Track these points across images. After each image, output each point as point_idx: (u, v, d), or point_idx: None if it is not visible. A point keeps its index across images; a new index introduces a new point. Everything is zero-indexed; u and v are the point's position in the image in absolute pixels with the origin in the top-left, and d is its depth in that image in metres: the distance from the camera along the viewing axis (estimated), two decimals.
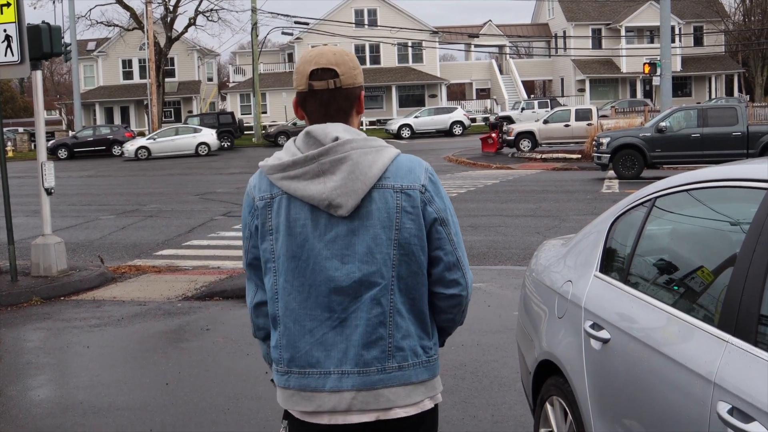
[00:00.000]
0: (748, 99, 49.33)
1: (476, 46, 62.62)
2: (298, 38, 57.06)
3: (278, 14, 63.59)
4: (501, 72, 61.18)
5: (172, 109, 59.14)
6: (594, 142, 21.71)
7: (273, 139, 44.98)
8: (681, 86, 56.24)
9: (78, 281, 9.70)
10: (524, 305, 4.22)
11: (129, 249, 12.64)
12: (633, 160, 20.15)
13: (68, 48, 36.03)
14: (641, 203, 3.34)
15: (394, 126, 46.25)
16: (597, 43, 59.35)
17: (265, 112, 55.05)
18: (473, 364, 6.05)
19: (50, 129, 50.18)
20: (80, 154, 42.20)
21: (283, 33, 52.56)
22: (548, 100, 47.62)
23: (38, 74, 9.84)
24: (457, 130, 46.06)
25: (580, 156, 26.76)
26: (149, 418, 5.26)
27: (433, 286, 2.30)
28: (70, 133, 48.13)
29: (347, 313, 2.20)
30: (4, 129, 11.43)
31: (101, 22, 50.54)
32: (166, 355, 6.77)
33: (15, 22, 9.12)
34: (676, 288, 2.96)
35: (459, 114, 46.98)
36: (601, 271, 3.43)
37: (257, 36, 48.26)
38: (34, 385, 6.16)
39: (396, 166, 2.23)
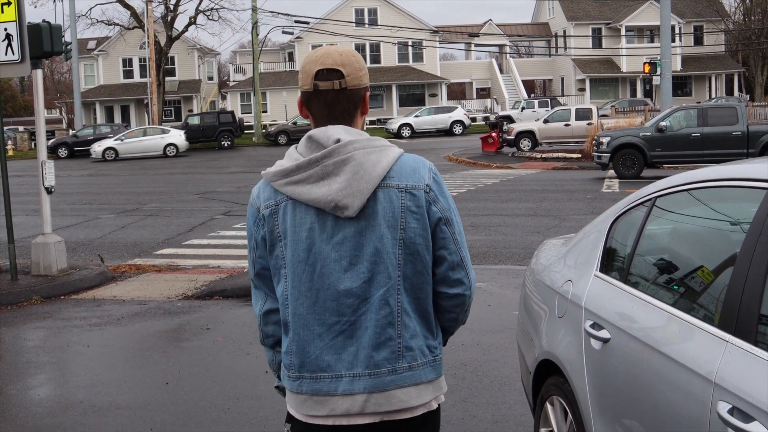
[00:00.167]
0: (748, 98, 49.34)
1: (476, 45, 62.61)
2: (298, 37, 57.05)
3: (279, 13, 63.45)
4: (501, 71, 61.18)
5: (172, 108, 59.15)
6: (594, 142, 21.70)
7: (273, 139, 44.98)
8: (681, 86, 56.24)
9: (78, 280, 9.71)
10: (524, 305, 4.22)
11: (129, 248, 12.64)
12: (633, 159, 20.15)
13: (69, 47, 36.06)
14: (641, 203, 3.34)
15: (394, 125, 46.23)
16: (597, 43, 59.35)
17: (266, 111, 55.04)
18: (473, 363, 6.05)
19: (50, 128, 50.17)
20: (80, 153, 42.20)
21: (283, 32, 52.61)
22: (548, 100, 47.60)
23: (39, 73, 9.84)
24: (458, 129, 46.07)
25: (580, 155, 26.76)
26: (149, 417, 5.26)
27: (437, 286, 2.30)
28: (71, 131, 48.12)
29: (356, 315, 2.20)
30: (5, 128, 11.41)
31: (102, 21, 50.60)
32: (167, 355, 6.77)
33: (15, 21, 9.13)
34: (676, 288, 2.96)
35: (459, 113, 46.98)
36: (601, 270, 3.43)
37: (258, 35, 48.26)
38: (34, 384, 6.16)
39: (400, 166, 2.23)
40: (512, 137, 30.54)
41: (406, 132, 45.71)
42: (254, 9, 47.78)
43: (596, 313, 3.21)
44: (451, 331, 2.44)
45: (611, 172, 20.83)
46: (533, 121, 33.26)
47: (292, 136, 43.62)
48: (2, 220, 10.03)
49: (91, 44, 60.97)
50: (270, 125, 50.99)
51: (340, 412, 2.20)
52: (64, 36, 22.78)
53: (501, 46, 62.81)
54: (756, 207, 2.50)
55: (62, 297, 9.28)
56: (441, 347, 2.35)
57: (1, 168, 9.58)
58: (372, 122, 51.97)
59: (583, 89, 57.71)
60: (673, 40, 41.63)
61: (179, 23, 75.96)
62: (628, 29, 57.84)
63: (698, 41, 59.10)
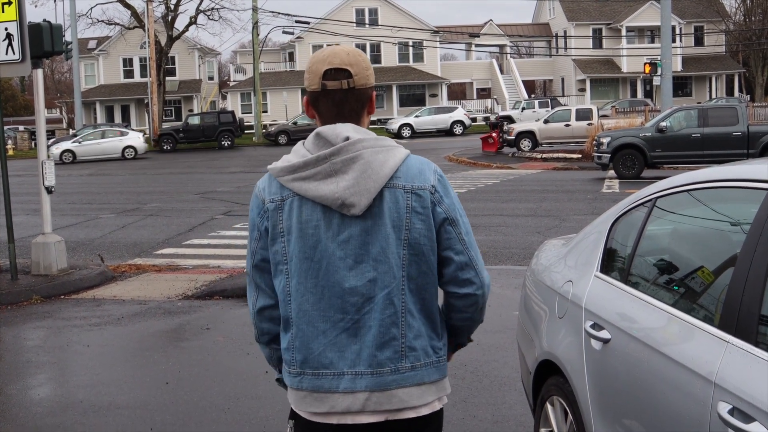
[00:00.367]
0: (748, 99, 49.32)
1: (477, 45, 62.62)
2: (299, 37, 57.07)
3: (279, 13, 63.44)
4: (502, 71, 61.18)
5: (172, 108, 59.16)
6: (594, 142, 21.70)
7: (273, 138, 44.98)
8: (681, 86, 56.23)
9: (78, 280, 9.71)
10: (525, 305, 4.22)
11: (129, 248, 12.64)
12: (633, 160, 20.15)
13: (69, 46, 35.99)
14: (642, 203, 3.34)
15: (394, 125, 46.23)
16: (598, 43, 59.35)
17: (266, 111, 55.05)
18: (473, 363, 6.04)
19: (51, 127, 50.17)
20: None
21: (284, 32, 52.59)
22: (549, 100, 47.61)
23: (39, 72, 9.84)
24: (458, 129, 46.07)
25: (580, 156, 26.75)
26: (149, 417, 5.26)
27: (447, 286, 2.30)
28: (71, 131, 48.10)
29: (360, 314, 2.20)
30: (5, 127, 11.39)
31: (102, 21, 50.61)
32: (167, 354, 6.77)
33: (16, 21, 9.13)
34: (676, 288, 2.96)
35: (459, 113, 46.98)
36: (601, 271, 3.43)
37: (258, 35, 48.27)
38: (34, 384, 6.16)
39: (406, 167, 2.24)
40: (512, 137, 30.54)
41: (406, 132, 45.71)
42: (255, 9, 47.79)
43: (596, 314, 3.21)
44: (469, 331, 2.43)
45: (611, 173, 20.83)
46: (533, 122, 33.27)
47: (293, 136, 43.62)
48: (2, 219, 10.03)
49: (92, 44, 61.00)
50: (270, 125, 51.00)
51: (340, 410, 2.20)
52: (64, 35, 22.77)
53: (501, 47, 62.82)
54: (756, 208, 2.50)
55: (62, 297, 9.27)
56: (446, 348, 2.35)
57: (2, 167, 9.58)
58: (372, 122, 51.48)
59: (583, 89, 57.71)
60: (674, 41, 41.63)
61: (180, 23, 76.05)
62: (629, 30, 57.85)
63: (699, 42, 59.10)
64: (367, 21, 57.56)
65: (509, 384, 5.58)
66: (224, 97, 62.42)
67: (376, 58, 57.80)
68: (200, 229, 14.37)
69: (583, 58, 57.35)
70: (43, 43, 9.36)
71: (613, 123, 29.22)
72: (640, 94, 56.13)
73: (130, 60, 59.79)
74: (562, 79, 61.40)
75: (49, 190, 10.01)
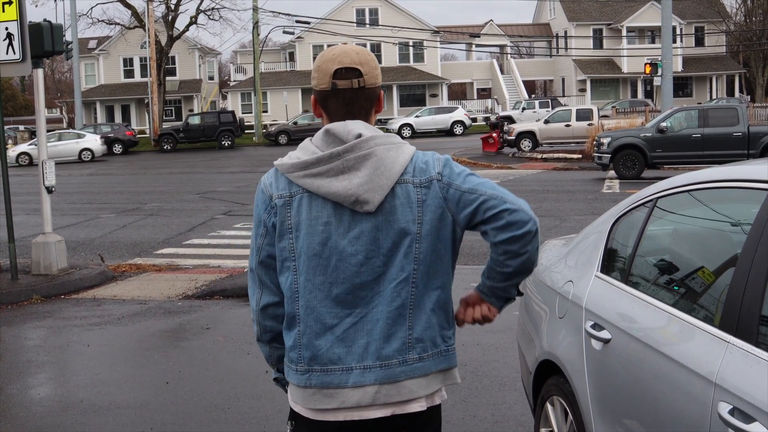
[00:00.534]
0: (749, 99, 49.30)
1: (477, 45, 62.61)
2: (299, 37, 57.08)
3: (279, 13, 63.41)
4: (502, 72, 61.17)
5: (173, 108, 59.16)
6: (595, 142, 21.70)
7: (274, 138, 44.98)
8: (682, 86, 56.21)
9: (78, 280, 9.71)
10: (525, 305, 4.22)
11: (129, 247, 12.64)
12: (634, 160, 20.15)
13: (69, 46, 35.96)
14: (642, 204, 3.34)
15: (394, 125, 46.20)
16: (598, 43, 59.34)
17: (266, 111, 55.05)
18: (473, 363, 6.04)
19: (51, 127, 50.12)
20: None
21: (284, 32, 52.59)
22: (549, 100, 47.59)
23: (39, 72, 9.84)
24: (458, 129, 46.06)
25: (580, 156, 26.75)
26: (149, 416, 5.26)
27: (497, 235, 2.20)
28: (71, 131, 48.09)
29: (369, 308, 2.21)
30: (5, 127, 11.41)
31: (102, 21, 50.61)
32: (167, 354, 6.77)
33: (16, 20, 9.13)
34: (677, 288, 2.96)
35: (460, 114, 46.97)
36: (602, 271, 3.43)
37: (258, 35, 48.27)
38: (34, 384, 6.16)
39: (415, 163, 2.25)
40: (513, 138, 30.53)
41: (406, 132, 45.69)
42: (255, 9, 47.79)
43: (597, 314, 3.21)
44: (523, 273, 2.29)
45: (612, 173, 20.83)
46: (534, 122, 33.25)
47: (293, 136, 43.62)
48: (3, 219, 10.03)
49: (92, 44, 61.01)
50: (270, 125, 50.99)
51: (350, 404, 2.20)
52: (65, 35, 22.75)
53: (502, 47, 62.80)
54: (757, 208, 2.50)
55: (62, 296, 9.28)
56: (454, 338, 2.34)
57: (2, 167, 9.58)
58: None
59: (583, 90, 57.70)
60: (674, 41, 41.60)
61: (180, 23, 75.98)
62: (629, 30, 57.83)
63: (699, 42, 59.09)
64: (367, 21, 57.56)
65: (509, 384, 5.58)
66: (224, 97, 62.42)
67: (376, 59, 57.79)
68: (200, 228, 14.37)
69: (583, 58, 57.34)
70: (43, 42, 9.36)
71: (613, 123, 29.22)
72: (640, 95, 56.11)
73: (131, 60, 59.79)
74: (563, 80, 61.40)
75: (49, 190, 10.01)
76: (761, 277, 2.33)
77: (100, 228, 14.91)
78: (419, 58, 59.07)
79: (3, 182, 9.66)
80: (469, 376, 5.76)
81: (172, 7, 49.46)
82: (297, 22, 49.03)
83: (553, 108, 39.97)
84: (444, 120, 46.49)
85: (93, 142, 38.46)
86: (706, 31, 58.73)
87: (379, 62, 53.78)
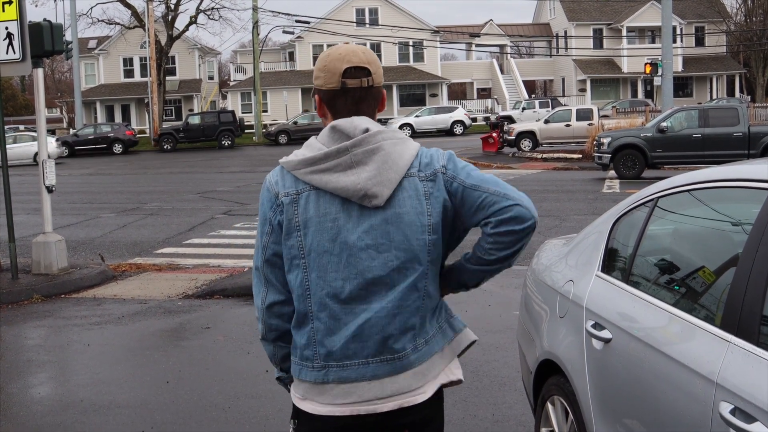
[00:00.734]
0: (749, 99, 49.30)
1: (477, 45, 62.60)
2: (299, 37, 57.07)
3: (279, 13, 63.50)
4: (502, 71, 61.17)
5: (173, 108, 59.16)
6: (595, 142, 21.70)
7: (273, 138, 44.98)
8: (682, 86, 56.22)
9: (78, 279, 9.71)
10: (525, 305, 4.22)
11: (129, 247, 12.64)
12: (634, 160, 20.15)
13: (69, 46, 35.94)
14: (643, 203, 3.34)
15: (394, 125, 46.09)
16: (598, 43, 59.33)
17: (266, 111, 55.05)
18: (474, 363, 6.04)
19: (51, 127, 50.22)
20: (81, 152, 42.22)
21: (284, 32, 52.58)
22: (549, 100, 47.59)
23: (39, 72, 9.84)
24: (458, 129, 46.07)
25: (580, 156, 26.76)
26: (149, 416, 5.26)
27: (498, 227, 2.22)
28: (71, 131, 48.12)
29: (383, 302, 2.21)
30: (5, 126, 11.42)
31: (102, 20, 50.56)
32: (167, 354, 6.77)
33: (16, 20, 9.13)
34: (678, 288, 2.96)
35: (460, 113, 46.98)
36: (602, 270, 3.43)
37: (258, 35, 48.27)
38: (34, 383, 6.16)
39: (420, 158, 2.27)
40: (513, 137, 30.54)
41: (406, 132, 45.68)
42: (255, 8, 47.79)
43: (598, 313, 3.21)
44: (494, 272, 2.33)
45: (612, 173, 20.83)
46: (534, 122, 33.26)
47: (293, 135, 43.63)
48: (3, 218, 10.03)
49: (92, 43, 61.00)
50: (270, 125, 51.01)
51: (368, 398, 2.22)
52: (64, 35, 22.73)
53: (502, 47, 62.80)
54: (758, 208, 2.50)
55: (63, 296, 9.28)
56: (447, 306, 2.39)
57: (3, 167, 9.58)
58: None
59: (584, 90, 57.70)
60: (675, 41, 41.60)
61: (180, 22, 75.88)
62: (630, 30, 57.83)
63: (699, 42, 59.08)
64: (367, 21, 57.55)
65: (510, 384, 5.58)
66: (224, 97, 62.42)
67: None
68: (200, 228, 14.37)
69: (583, 58, 57.34)
70: (43, 42, 9.36)
71: (613, 123, 29.22)
72: (640, 95, 56.11)
73: (131, 59, 59.78)
74: (563, 80, 61.39)
75: (49, 190, 10.02)
76: (762, 277, 2.33)
77: (101, 227, 14.91)
78: (419, 57, 59.06)
79: (3, 182, 9.66)
80: (469, 376, 5.75)
81: (172, 6, 49.46)
82: (297, 21, 49.04)
83: (553, 108, 39.98)
84: (444, 120, 46.50)
85: (48, 144, 37.74)
86: (706, 31, 58.73)
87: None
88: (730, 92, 57.81)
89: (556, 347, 3.52)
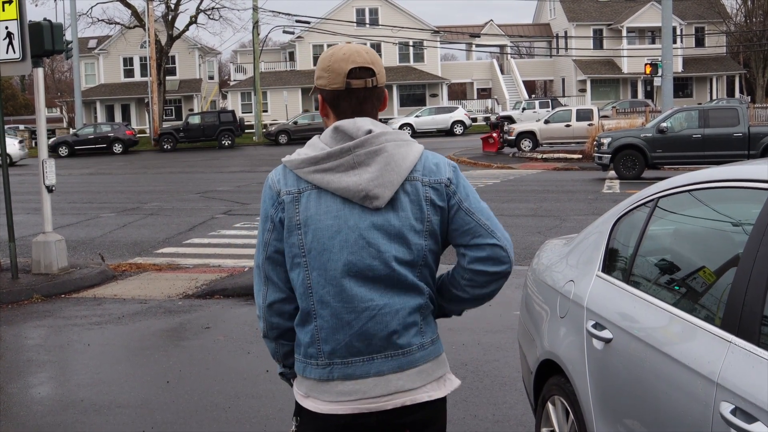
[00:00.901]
0: (749, 100, 49.31)
1: (477, 45, 62.60)
2: (299, 37, 57.07)
3: (280, 13, 63.40)
4: (502, 72, 61.18)
5: (173, 107, 59.16)
6: (595, 143, 21.70)
7: (274, 138, 44.98)
8: (682, 87, 56.22)
9: (79, 279, 9.71)
10: (526, 305, 4.22)
11: (130, 247, 12.64)
12: (634, 160, 20.15)
13: (69, 45, 35.96)
14: (644, 203, 3.34)
15: (394, 125, 46.11)
16: (598, 44, 59.33)
17: (266, 111, 55.05)
18: (474, 363, 6.05)
19: (51, 126, 50.13)
20: (81, 152, 42.24)
21: (284, 32, 52.56)
22: (549, 100, 47.60)
23: (39, 71, 9.84)
24: (458, 129, 46.08)
25: (581, 156, 26.75)
26: (150, 415, 5.26)
27: (474, 264, 2.30)
28: (71, 130, 48.12)
29: (384, 300, 2.23)
30: (6, 126, 11.44)
31: (102, 20, 50.56)
32: (167, 353, 6.77)
33: (16, 19, 9.13)
34: (678, 288, 2.97)
35: (460, 113, 46.99)
36: (603, 270, 3.43)
37: (258, 34, 48.27)
38: (34, 383, 6.16)
39: (424, 161, 2.28)
40: (513, 138, 30.54)
41: (406, 132, 45.69)
42: (255, 8, 47.79)
43: (598, 313, 3.21)
44: (477, 304, 2.45)
45: (612, 173, 20.83)
46: (534, 122, 33.26)
47: (293, 135, 43.63)
48: (3, 218, 10.03)
49: (92, 43, 61.00)
50: (270, 125, 51.00)
51: (372, 395, 2.23)
52: (65, 35, 22.74)
53: (502, 47, 62.80)
54: (758, 208, 2.50)
55: (63, 295, 9.27)
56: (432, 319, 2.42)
57: (3, 166, 9.58)
58: None
59: (584, 90, 57.70)
60: (675, 42, 41.60)
61: (180, 22, 75.86)
62: (630, 30, 57.83)
63: (699, 43, 59.09)
64: (367, 21, 57.56)
65: (510, 384, 5.58)
66: (224, 97, 62.42)
67: None
68: (201, 228, 14.37)
69: (583, 58, 57.35)
70: (43, 42, 9.36)
71: (613, 123, 29.23)
72: (640, 95, 56.12)
73: (131, 59, 59.78)
74: (563, 80, 61.40)
75: (49, 189, 10.01)
76: (763, 277, 2.33)
77: (101, 227, 14.91)
78: (419, 58, 59.07)
79: (3, 181, 9.66)
80: (469, 376, 5.76)
81: (172, 6, 49.46)
82: (297, 21, 49.04)
83: (553, 108, 39.98)
84: (444, 120, 46.51)
85: (11, 146, 34.86)
86: (706, 32, 58.74)
87: None
88: (730, 93, 57.82)
89: (557, 347, 3.52)
